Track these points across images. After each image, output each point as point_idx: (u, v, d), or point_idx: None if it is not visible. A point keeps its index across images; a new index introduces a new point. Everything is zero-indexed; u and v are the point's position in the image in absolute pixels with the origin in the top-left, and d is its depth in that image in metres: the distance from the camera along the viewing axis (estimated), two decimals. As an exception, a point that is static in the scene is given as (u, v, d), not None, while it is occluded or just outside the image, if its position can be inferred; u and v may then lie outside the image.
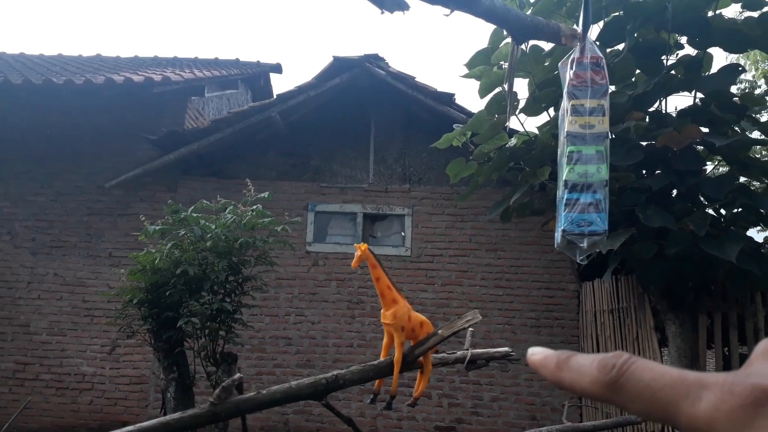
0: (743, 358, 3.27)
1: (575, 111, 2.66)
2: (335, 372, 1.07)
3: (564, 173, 2.66)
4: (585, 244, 2.57)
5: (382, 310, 1.39)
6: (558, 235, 2.65)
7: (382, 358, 1.27)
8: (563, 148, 2.72)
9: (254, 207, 4.50)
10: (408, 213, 7.46)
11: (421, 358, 1.42)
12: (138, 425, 1.27)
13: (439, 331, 1.34)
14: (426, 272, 7.30)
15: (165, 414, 5.24)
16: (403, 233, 7.46)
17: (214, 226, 4.40)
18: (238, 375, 1.09)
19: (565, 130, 2.68)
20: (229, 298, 4.56)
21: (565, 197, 2.63)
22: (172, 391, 4.58)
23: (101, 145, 7.78)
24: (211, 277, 4.33)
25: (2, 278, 7.58)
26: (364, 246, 1.48)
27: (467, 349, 1.50)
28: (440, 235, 7.38)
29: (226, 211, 4.48)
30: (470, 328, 1.47)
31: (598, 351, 6.06)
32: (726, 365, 4.29)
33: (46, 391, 7.22)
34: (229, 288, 4.57)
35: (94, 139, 7.80)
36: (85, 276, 7.52)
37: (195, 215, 4.45)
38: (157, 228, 4.51)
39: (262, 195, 4.64)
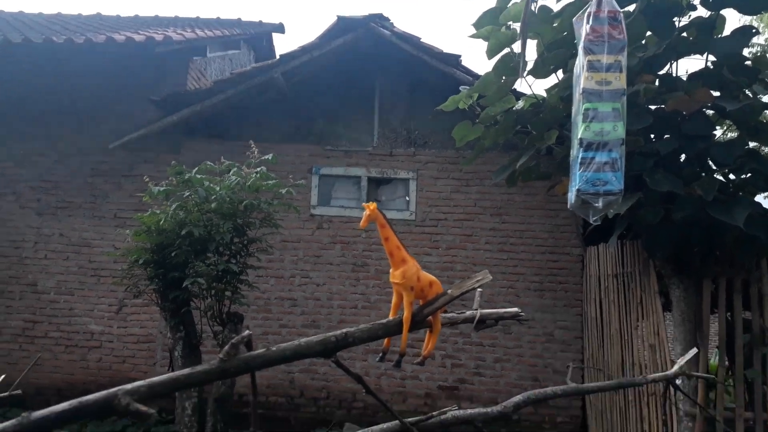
0: (746, 324, 3.27)
1: (591, 67, 2.59)
2: (345, 330, 1.07)
3: (579, 131, 2.60)
4: (600, 204, 2.53)
5: (391, 270, 1.37)
6: (572, 195, 2.61)
7: (390, 317, 1.26)
8: (579, 106, 2.65)
9: (258, 169, 4.48)
10: (413, 177, 7.43)
11: (430, 317, 1.41)
12: (148, 380, 1.29)
13: (449, 291, 1.33)
14: (430, 236, 7.31)
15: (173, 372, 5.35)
16: (407, 197, 7.44)
17: (218, 188, 4.39)
18: (247, 332, 1.09)
19: (581, 86, 2.61)
20: (234, 260, 4.59)
21: (580, 156, 2.58)
22: (180, 349, 4.65)
23: (104, 106, 7.72)
24: (216, 238, 4.35)
25: (9, 238, 7.62)
26: (373, 205, 1.43)
27: (476, 309, 1.49)
28: (445, 200, 7.36)
29: (230, 173, 4.47)
30: (479, 289, 1.46)
31: (601, 315, 6.10)
32: (729, 330, 4.31)
33: (55, 348, 7.34)
34: (235, 249, 4.59)
35: (97, 100, 7.73)
36: (91, 237, 7.56)
37: (199, 177, 4.43)
38: (162, 189, 4.51)
39: (266, 157, 4.62)
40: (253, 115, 7.60)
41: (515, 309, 1.64)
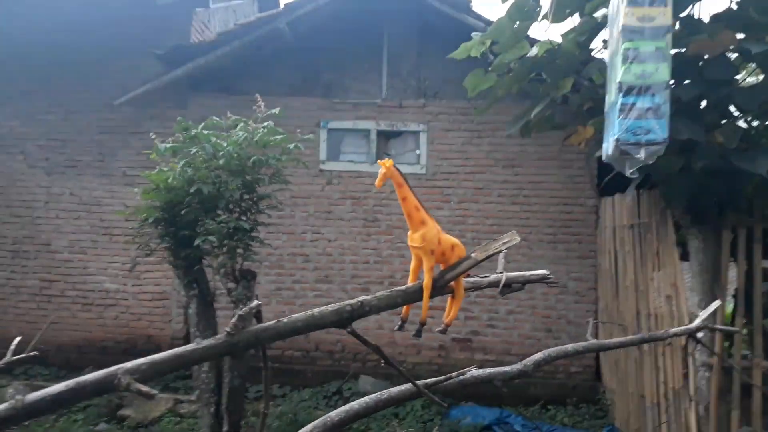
0: (766, 273, 3.18)
1: (632, 1, 2.33)
2: (360, 298, 0.98)
3: (618, 74, 2.37)
4: (642, 155, 2.34)
5: (409, 233, 1.24)
6: (608, 146, 2.44)
7: (410, 283, 1.17)
8: (617, 45, 2.41)
9: (265, 124, 4.38)
10: (423, 129, 7.29)
11: (452, 283, 1.38)
12: (150, 358, 1.22)
13: (473, 255, 1.21)
14: (442, 190, 7.22)
15: (188, 329, 5.38)
16: (418, 151, 7.31)
17: (225, 144, 4.30)
18: (255, 303, 0.99)
19: (620, 23, 2.36)
20: (245, 216, 4.53)
21: (620, 102, 2.36)
22: (194, 307, 4.66)
23: (107, 61, 7.57)
24: (225, 195, 4.28)
25: (20, 198, 7.63)
26: (389, 162, 1.27)
27: (501, 272, 1.37)
28: (456, 152, 7.24)
29: (237, 128, 4.37)
30: (504, 250, 1.35)
31: (617, 267, 6.04)
32: (748, 280, 4.24)
33: (72, 307, 7.44)
34: (245, 206, 4.53)
35: (100, 55, 7.57)
36: (101, 195, 7.55)
37: (206, 132, 4.34)
38: (168, 146, 4.42)
39: (273, 111, 4.51)
40: (259, 68, 7.43)
41: (543, 271, 1.51)
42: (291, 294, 7.19)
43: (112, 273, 7.46)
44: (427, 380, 1.36)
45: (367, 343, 0.98)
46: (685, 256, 4.65)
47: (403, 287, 1.10)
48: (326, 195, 7.29)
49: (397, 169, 1.26)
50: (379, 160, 1.33)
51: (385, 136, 7.39)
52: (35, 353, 2.53)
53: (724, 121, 3.92)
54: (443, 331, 1.28)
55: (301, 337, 7.07)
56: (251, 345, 0.99)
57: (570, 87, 4.39)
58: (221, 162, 4.29)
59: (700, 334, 2.33)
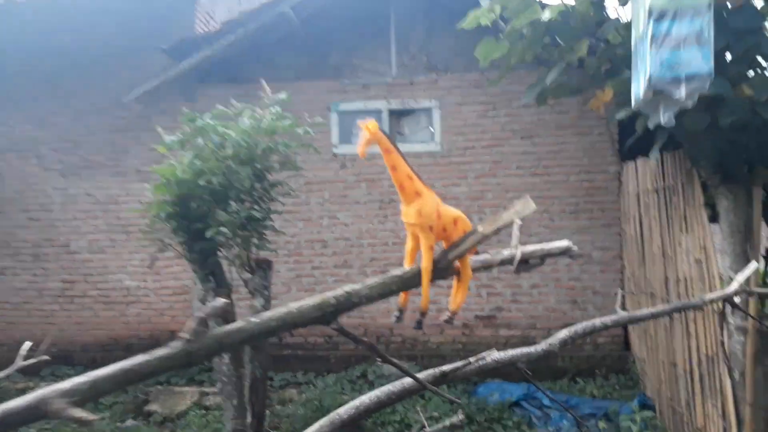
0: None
1: None
2: (348, 287, 0.82)
3: None
4: (681, 94, 1.96)
5: (402, 207, 1.11)
6: (639, 88, 2.06)
7: (406, 267, 0.97)
8: None
9: (272, 109, 4.26)
10: (436, 105, 7.12)
11: (456, 263, 1.16)
12: (92, 375, 0.99)
13: (479, 229, 1.06)
14: (458, 166, 7.06)
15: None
16: (431, 128, 7.15)
17: (233, 133, 4.20)
18: (221, 301, 0.82)
19: None
20: (257, 206, 4.44)
21: (651, 31, 1.95)
22: (211, 300, 4.60)
23: (114, 60, 7.51)
24: (235, 185, 4.19)
25: (37, 201, 7.65)
26: (372, 124, 1.11)
27: (515, 247, 1.14)
28: (471, 126, 7.06)
29: (244, 115, 4.26)
30: (518, 221, 1.10)
31: (642, 233, 5.86)
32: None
33: (95, 306, 7.47)
34: (256, 195, 4.43)
35: (106, 54, 7.51)
36: (116, 194, 7.53)
37: (212, 123, 4.24)
38: (175, 139, 4.34)
39: (281, 96, 4.39)
40: (266, 55, 7.31)
41: (564, 242, 1.26)
42: (311, 281, 7.13)
43: (132, 270, 7.46)
44: (445, 367, 1.23)
45: (359, 340, 0.80)
46: (714, 218, 4.46)
47: (398, 271, 0.92)
48: (341, 179, 7.18)
49: (384, 133, 1.04)
50: (359, 121, 1.01)
51: (397, 115, 7.24)
52: (46, 357, 2.48)
53: (752, 73, 3.70)
54: (449, 321, 1.01)
55: (324, 324, 7.03)
56: (214, 352, 0.78)
57: (586, 50, 4.20)
58: (229, 152, 4.20)
59: (736, 299, 2.18)
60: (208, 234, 4.14)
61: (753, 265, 2.11)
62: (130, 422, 5.87)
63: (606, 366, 6.59)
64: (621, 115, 4.02)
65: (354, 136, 7.29)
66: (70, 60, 7.54)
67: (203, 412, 5.86)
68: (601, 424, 5.24)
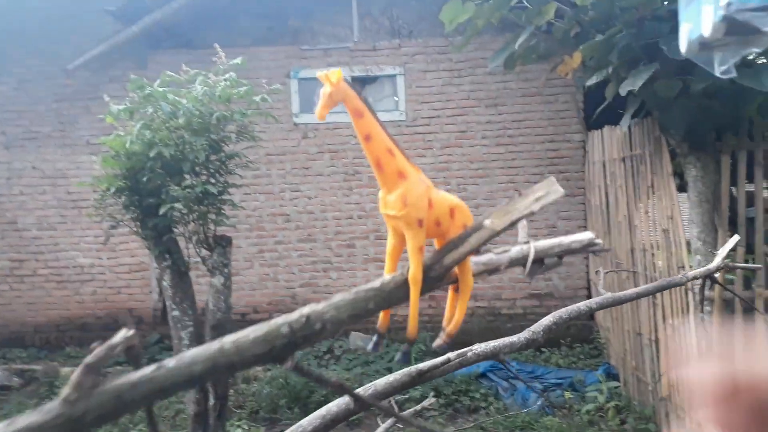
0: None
1: None
2: (305, 311, 0.55)
3: None
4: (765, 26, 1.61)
5: (380, 194, 0.72)
6: (702, 25, 1.70)
7: (386, 275, 0.66)
8: None
9: (227, 76, 4.01)
10: (400, 72, 6.90)
11: (455, 269, 0.77)
12: None
13: (487, 223, 0.70)
14: (423, 136, 6.89)
15: (164, 302, 5.12)
16: (395, 96, 6.95)
17: (184, 101, 3.94)
18: (121, 334, 0.54)
19: None
20: (213, 179, 4.22)
21: None
22: (168, 279, 4.38)
23: (58, 24, 7.04)
24: (189, 157, 3.95)
25: (-21, 176, 7.21)
26: (334, 74, 0.73)
27: (526, 243, 0.79)
28: (436, 95, 6.88)
29: (196, 82, 3.99)
30: (536, 211, 0.80)
31: (607, 202, 5.83)
32: (749, 204, 4.03)
33: (46, 285, 7.13)
34: (212, 168, 4.20)
35: (49, 18, 7.03)
36: (65, 167, 7.14)
37: (162, 90, 3.96)
38: (122, 108, 4.05)
39: (235, 61, 4.13)
40: (220, 19, 6.94)
41: (587, 234, 0.90)
42: (274, 255, 6.93)
43: (85, 247, 7.13)
44: (422, 365, 1.08)
45: (324, 381, 0.53)
46: (682, 187, 4.42)
47: (376, 283, 0.61)
48: (302, 150, 6.95)
49: (353, 88, 0.74)
50: (319, 73, 0.78)
51: (360, 83, 7.00)
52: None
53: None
54: (443, 347, 0.64)
55: (287, 298, 6.87)
56: (112, 413, 0.46)
57: (553, 13, 4.05)
58: (181, 121, 3.94)
59: (717, 274, 2.10)
60: (162, 210, 3.91)
61: (735, 238, 2.03)
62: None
63: (571, 336, 6.62)
64: (592, 80, 3.90)
65: (316, 104, 7.03)
66: (9, 24, 7.03)
67: (164, 392, 5.67)
68: (567, 394, 5.25)
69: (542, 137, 6.86)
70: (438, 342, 0.64)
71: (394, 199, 0.53)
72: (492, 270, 0.59)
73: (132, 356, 0.44)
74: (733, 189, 4.20)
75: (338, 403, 0.98)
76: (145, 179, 4.01)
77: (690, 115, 3.77)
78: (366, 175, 6.86)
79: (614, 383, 5.18)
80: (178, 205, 3.83)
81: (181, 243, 4.48)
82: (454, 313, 0.62)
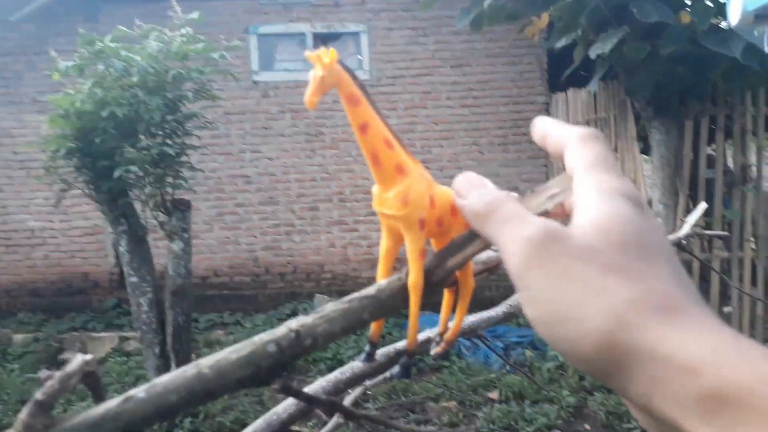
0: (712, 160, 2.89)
1: None
2: (293, 325, 0.46)
3: None
4: None
5: (375, 189, 0.54)
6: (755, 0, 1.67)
7: (381, 280, 0.61)
8: None
9: (183, 31, 3.81)
10: (363, 30, 6.71)
11: (457, 272, 0.58)
12: None
13: None
14: (387, 96, 6.76)
15: (121, 269, 4.96)
16: (359, 55, 6.77)
17: (138, 58, 3.73)
18: (77, 360, 0.43)
19: None
20: (170, 140, 4.05)
21: None
22: (124, 244, 4.23)
23: (-5, -31, 6.56)
24: (144, 117, 3.77)
25: None
26: (328, 54, 0.50)
27: None
28: (401, 53, 6.73)
29: (150, 38, 3.78)
30: (550, 208, 0.57)
31: (570, 165, 5.86)
32: (710, 166, 4.11)
33: (-6, 250, 6.84)
34: (169, 129, 4.03)
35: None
36: (11, 126, 6.76)
37: (114, 46, 3.74)
38: (71, 64, 3.82)
39: (191, 16, 3.92)
40: (173, -30, 6.58)
41: None
42: (235, 219, 6.79)
43: (35, 210, 6.83)
44: (400, 344, 1.04)
45: (316, 401, 0.47)
46: (645, 151, 4.47)
47: (371, 290, 0.53)
48: (263, 109, 6.74)
49: (348, 70, 0.54)
50: (308, 53, 0.51)
51: (322, 40, 6.79)
52: None
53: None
54: (440, 355, 0.56)
55: (249, 261, 6.76)
56: None
57: (523, -29, 3.97)
58: (135, 79, 3.74)
59: (684, 241, 2.11)
60: (117, 173, 3.74)
61: (703, 206, 2.03)
62: (42, 373, 5.48)
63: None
64: (562, 42, 3.85)
65: (276, 61, 6.80)
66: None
67: (124, 358, 5.55)
68: (528, 353, 5.37)
69: (506, 99, 6.82)
70: (436, 350, 0.56)
71: (393, 197, 0.43)
72: (493, 268, 0.52)
73: (92, 385, 0.36)
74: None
75: (313, 388, 0.93)
76: (97, 140, 3.83)
77: (656, 79, 3.77)
78: (329, 136, 6.72)
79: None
80: (133, 168, 3.67)
81: (138, 207, 4.32)
82: (449, 317, 0.54)
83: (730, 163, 4.50)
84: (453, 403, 4.55)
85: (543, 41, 5.58)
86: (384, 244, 0.49)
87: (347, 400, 1.95)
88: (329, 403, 0.41)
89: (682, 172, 4.05)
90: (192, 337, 4.70)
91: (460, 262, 0.46)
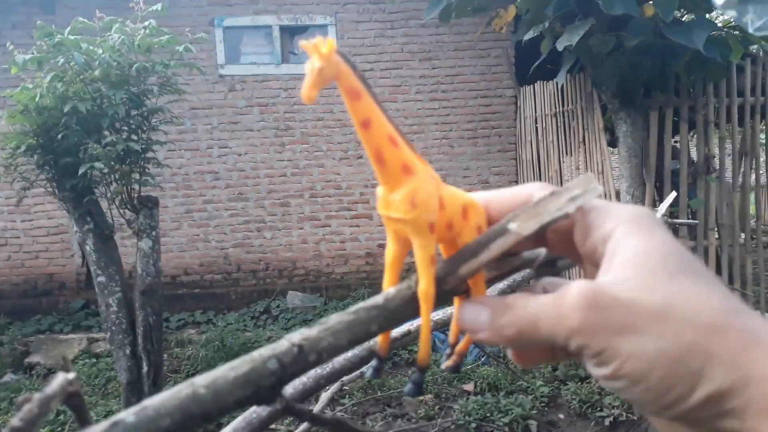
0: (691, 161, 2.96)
1: None
2: (295, 339, 0.37)
3: None
4: None
5: (379, 191, 0.47)
6: None
7: (389, 289, 0.57)
8: None
9: (147, 23, 3.71)
10: (331, 22, 6.66)
11: (469, 279, 0.51)
12: None
13: (511, 226, 0.43)
14: (356, 89, 6.72)
15: (88, 269, 4.84)
16: (327, 48, 6.71)
17: (100, 51, 3.63)
18: (58, 380, 0.42)
19: None
20: (135, 136, 3.95)
21: None
22: (91, 243, 4.12)
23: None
24: (108, 112, 3.66)
25: None
26: (325, 44, 0.42)
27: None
28: (369, 47, 6.71)
29: (112, 30, 3.68)
30: (572, 211, 0.43)
31: (539, 157, 5.93)
32: (675, 157, 4.20)
33: (-47, 252, 6.61)
34: (134, 124, 3.94)
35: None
36: (-34, 123, 6.52)
37: (74, 38, 3.63)
38: (29, 57, 3.69)
39: (155, 7, 3.83)
40: (135, -38, 6.42)
41: None
42: (204, 215, 6.68)
43: (-5, 210, 6.62)
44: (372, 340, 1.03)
45: (319, 420, 0.42)
46: (612, 143, 4.54)
47: (378, 299, 0.48)
48: (230, 104, 6.64)
49: (348, 62, 0.45)
50: (302, 42, 0.44)
51: (289, 33, 6.72)
52: None
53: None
54: (454, 369, 0.49)
55: (219, 258, 6.67)
56: None
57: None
58: (97, 73, 3.64)
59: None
60: (81, 170, 3.63)
61: (673, 195, 2.07)
62: (8, 377, 5.33)
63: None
64: (529, 35, 3.87)
65: (243, 54, 6.70)
66: None
67: (93, 360, 5.42)
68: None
69: (475, 92, 6.86)
70: (448, 363, 0.52)
71: (400, 198, 0.38)
72: (506, 274, 0.48)
73: (76, 407, 0.33)
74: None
75: (293, 385, 0.91)
76: (59, 136, 3.71)
77: (622, 71, 3.83)
78: (298, 131, 6.66)
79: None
80: (98, 165, 3.57)
81: (103, 205, 4.21)
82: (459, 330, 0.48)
83: (694, 154, 4.60)
84: (429, 396, 4.57)
85: (510, 34, 5.62)
86: (390, 251, 0.45)
87: (324, 396, 1.93)
88: (335, 423, 0.38)
89: (648, 163, 4.12)
90: (163, 336, 4.61)
91: (473, 269, 0.43)
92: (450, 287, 0.44)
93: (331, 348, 0.36)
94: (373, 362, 0.48)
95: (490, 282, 0.50)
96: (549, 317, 0.36)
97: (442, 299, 0.44)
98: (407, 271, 0.44)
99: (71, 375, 0.32)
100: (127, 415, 0.28)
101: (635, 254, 0.35)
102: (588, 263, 0.39)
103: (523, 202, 0.44)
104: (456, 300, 0.47)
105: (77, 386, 0.32)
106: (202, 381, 0.30)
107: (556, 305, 0.35)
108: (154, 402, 0.28)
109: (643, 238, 0.35)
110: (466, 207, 0.45)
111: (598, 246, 0.37)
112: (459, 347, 0.50)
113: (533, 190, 0.44)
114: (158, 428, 0.28)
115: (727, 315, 0.33)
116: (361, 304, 0.40)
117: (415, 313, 0.42)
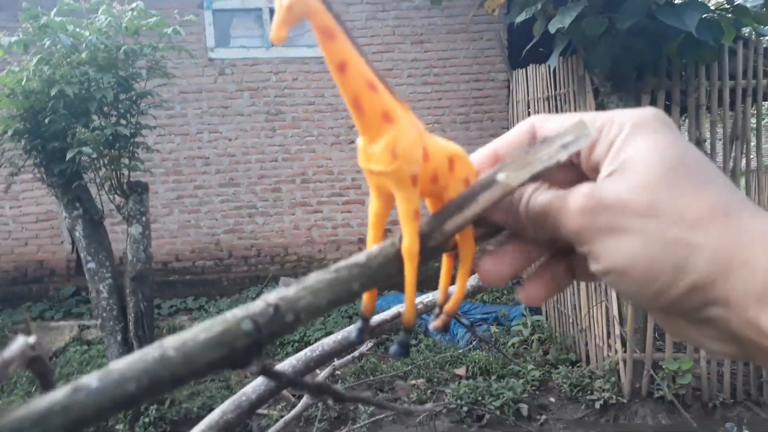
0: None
1: None
2: (271, 299, 0.33)
3: None
4: None
5: (359, 142, 0.43)
6: None
7: (372, 246, 0.54)
8: None
9: (134, 5, 3.66)
10: (322, 6, 6.58)
11: (456, 236, 0.47)
12: None
13: (500, 177, 0.40)
14: (348, 73, 6.67)
15: (79, 255, 4.80)
16: (318, 31, 6.64)
17: (87, 33, 3.57)
18: (18, 343, 0.39)
19: None
20: (124, 120, 3.91)
21: None
22: (80, 229, 4.09)
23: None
24: (96, 96, 3.62)
25: None
26: None
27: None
28: (360, 29, 6.64)
29: (99, 12, 3.62)
30: (563, 161, 0.39)
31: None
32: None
33: (-60, 239, 6.54)
34: (122, 108, 3.89)
35: None
36: (-48, 108, 6.43)
37: (60, 20, 3.57)
38: (15, 40, 3.63)
39: (143, -11, 3.77)
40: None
41: None
42: (194, 201, 6.64)
43: (-17, 196, 6.54)
44: (372, 319, 1.02)
45: (300, 384, 0.40)
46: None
47: (360, 257, 0.46)
48: (220, 88, 6.57)
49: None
50: None
51: (279, 17, 6.63)
52: None
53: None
54: (443, 328, 0.47)
55: (211, 245, 6.65)
56: None
57: (483, -55, 3.93)
58: (84, 56, 3.59)
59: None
60: (69, 155, 3.60)
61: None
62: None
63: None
64: (522, 17, 3.84)
65: (233, 38, 6.63)
66: None
67: (85, 347, 5.40)
68: (493, 329, 5.44)
69: (467, 76, 6.82)
70: (436, 323, 0.50)
71: (380, 149, 0.36)
72: (494, 233, 0.45)
73: (39, 372, 0.31)
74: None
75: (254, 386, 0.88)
76: (47, 121, 3.67)
77: (614, 54, 3.81)
78: (290, 115, 6.61)
79: (537, 317, 5.40)
80: (86, 149, 3.53)
81: (93, 190, 4.17)
82: (449, 285, 0.46)
83: (686, 137, 4.59)
84: (421, 381, 4.59)
85: (503, 16, 5.58)
86: (373, 207, 0.43)
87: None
88: (316, 387, 0.36)
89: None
90: (155, 323, 4.59)
91: (459, 225, 0.41)
92: (436, 243, 0.41)
93: (310, 308, 0.34)
94: (358, 323, 0.46)
95: (480, 239, 0.47)
96: (556, 215, 0.38)
97: (428, 256, 0.42)
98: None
99: (32, 338, 0.30)
100: (91, 379, 0.26)
101: (633, 156, 0.36)
102: (593, 175, 0.39)
103: (530, 139, 0.44)
104: (445, 257, 0.45)
105: (40, 350, 0.30)
106: (171, 343, 0.28)
107: (562, 209, 0.38)
108: (119, 365, 0.27)
109: (646, 140, 0.36)
110: (452, 158, 0.43)
111: (603, 154, 0.38)
112: (447, 307, 0.48)
113: (533, 122, 0.44)
114: (124, 393, 0.26)
115: (713, 210, 0.34)
116: (342, 263, 0.38)
117: (399, 272, 0.41)
